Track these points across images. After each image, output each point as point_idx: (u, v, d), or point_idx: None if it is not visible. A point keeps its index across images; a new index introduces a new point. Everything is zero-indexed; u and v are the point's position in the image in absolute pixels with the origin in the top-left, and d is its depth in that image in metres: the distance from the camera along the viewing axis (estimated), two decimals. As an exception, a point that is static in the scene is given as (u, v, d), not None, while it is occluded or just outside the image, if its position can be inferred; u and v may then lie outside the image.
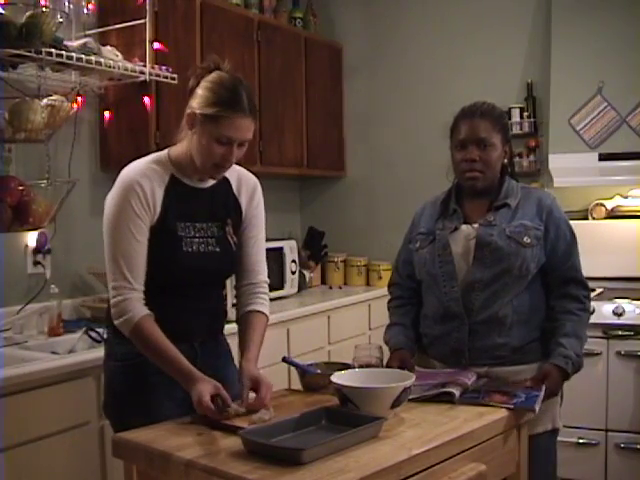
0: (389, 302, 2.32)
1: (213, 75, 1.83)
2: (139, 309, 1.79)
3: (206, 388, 1.70)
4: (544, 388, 1.89)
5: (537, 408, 1.78)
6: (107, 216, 1.83)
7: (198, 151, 1.83)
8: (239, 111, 1.78)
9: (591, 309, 2.12)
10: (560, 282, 2.08)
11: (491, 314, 2.03)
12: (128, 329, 1.78)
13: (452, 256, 2.07)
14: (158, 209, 1.84)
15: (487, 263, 2.03)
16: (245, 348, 1.92)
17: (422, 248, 2.16)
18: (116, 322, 1.80)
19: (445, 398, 1.82)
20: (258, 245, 2.04)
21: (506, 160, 2.13)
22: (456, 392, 1.82)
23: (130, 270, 1.79)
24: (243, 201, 2.01)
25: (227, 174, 1.97)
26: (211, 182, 1.94)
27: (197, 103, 1.81)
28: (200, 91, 1.81)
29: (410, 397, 1.75)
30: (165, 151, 1.93)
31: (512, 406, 1.77)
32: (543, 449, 2.05)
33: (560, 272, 2.08)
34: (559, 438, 2.15)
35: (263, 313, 2.00)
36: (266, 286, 2.05)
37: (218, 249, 1.92)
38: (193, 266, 1.88)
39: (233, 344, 2.12)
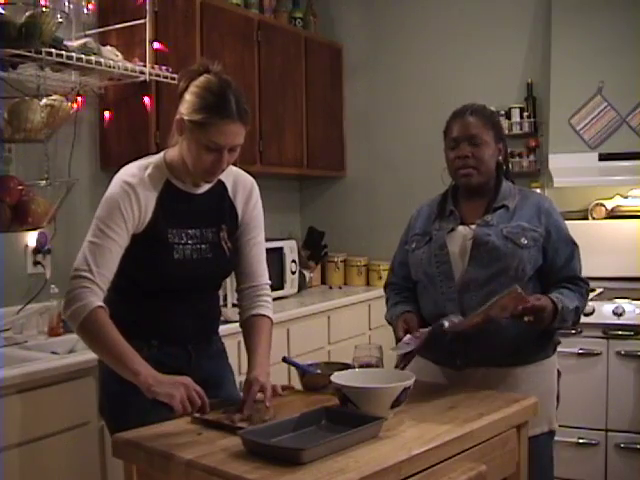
0: (387, 301, 2.30)
1: (201, 79, 1.80)
2: (96, 300, 1.70)
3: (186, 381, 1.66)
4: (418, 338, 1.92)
5: (399, 350, 1.89)
6: (97, 211, 1.82)
7: (188, 157, 1.81)
8: (227, 117, 1.75)
9: (587, 301, 2.11)
10: (559, 281, 2.08)
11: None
12: (78, 320, 1.69)
13: (449, 256, 2.07)
14: (149, 216, 1.82)
15: (483, 263, 2.03)
16: (251, 359, 1.89)
17: (418, 249, 2.16)
18: (66, 313, 1.72)
19: (438, 330, 1.86)
20: (257, 247, 2.02)
21: (501, 158, 2.14)
22: (446, 322, 1.86)
23: (97, 266, 1.73)
24: (239, 205, 1.99)
25: (223, 177, 1.95)
26: (206, 187, 1.92)
27: (185, 109, 1.78)
28: (188, 96, 1.79)
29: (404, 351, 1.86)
30: (161, 154, 1.92)
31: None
32: (540, 451, 2.04)
33: (561, 274, 2.07)
34: (559, 438, 2.15)
35: (267, 316, 1.99)
36: (268, 288, 2.03)
37: (211, 255, 1.91)
38: (184, 273, 1.87)
39: (229, 344, 2.13)
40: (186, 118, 1.77)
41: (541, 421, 2.02)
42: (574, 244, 2.11)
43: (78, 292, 1.71)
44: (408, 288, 2.24)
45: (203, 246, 1.90)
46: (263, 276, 2.02)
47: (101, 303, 1.72)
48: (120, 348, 1.68)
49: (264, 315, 1.98)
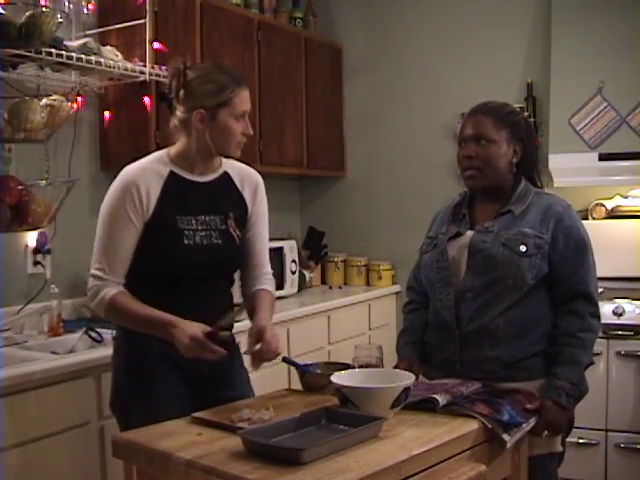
0: (404, 306, 2.30)
1: (194, 70, 1.92)
2: (113, 289, 1.87)
3: (194, 326, 1.78)
4: (532, 421, 1.80)
5: (509, 442, 1.68)
6: (102, 208, 1.92)
7: (220, 139, 1.91)
8: (241, 85, 1.93)
9: (598, 328, 1.98)
10: (567, 296, 1.97)
11: (481, 325, 1.96)
12: (103, 307, 1.87)
13: (448, 262, 2.03)
14: (153, 204, 1.88)
15: (479, 271, 1.97)
16: (255, 312, 1.98)
17: (426, 253, 2.13)
18: (92, 305, 1.89)
19: (428, 405, 1.74)
20: (263, 241, 2.10)
21: (515, 160, 2.04)
22: (440, 399, 1.74)
23: (110, 263, 1.87)
24: (247, 197, 2.05)
25: (229, 170, 2.03)
26: (212, 176, 1.99)
27: (202, 99, 1.89)
28: (197, 89, 1.89)
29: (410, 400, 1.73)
30: (164, 150, 1.98)
31: (489, 424, 1.68)
32: (537, 474, 1.91)
33: (568, 285, 1.97)
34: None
35: (269, 290, 2.07)
36: (271, 275, 2.12)
37: (221, 242, 1.96)
38: (195, 259, 1.90)
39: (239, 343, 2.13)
40: (210, 105, 1.88)
41: (540, 441, 1.91)
42: (587, 253, 1.99)
43: (95, 289, 1.88)
44: (425, 293, 2.18)
45: (213, 233, 1.95)
46: (266, 267, 2.12)
47: (116, 290, 1.87)
48: (144, 319, 1.85)
49: (265, 289, 2.07)
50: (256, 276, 2.09)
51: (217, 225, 1.96)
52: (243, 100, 1.92)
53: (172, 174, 1.93)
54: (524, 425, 1.76)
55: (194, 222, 1.92)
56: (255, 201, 2.07)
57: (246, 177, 2.06)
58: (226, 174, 2.02)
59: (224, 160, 2.02)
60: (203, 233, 1.93)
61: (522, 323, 1.96)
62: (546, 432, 1.87)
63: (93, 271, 1.89)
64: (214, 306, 1.97)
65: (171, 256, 1.88)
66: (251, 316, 2.01)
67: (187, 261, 1.89)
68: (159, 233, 1.88)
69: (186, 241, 1.89)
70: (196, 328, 1.78)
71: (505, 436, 1.69)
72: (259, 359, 1.86)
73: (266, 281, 2.09)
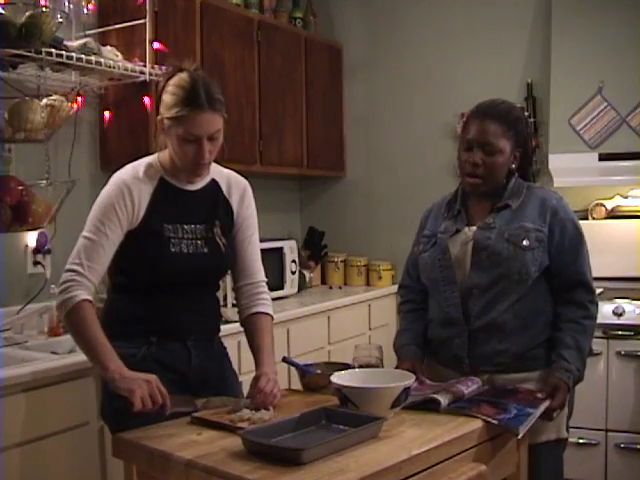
0: (400, 305, 2.29)
1: (175, 78, 1.88)
2: (83, 294, 1.79)
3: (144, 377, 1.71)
4: (542, 407, 1.82)
5: (522, 431, 1.69)
6: (92, 209, 1.91)
7: (174, 154, 1.89)
8: (196, 108, 1.81)
9: (596, 314, 2.03)
10: (566, 286, 2.01)
11: (490, 320, 1.97)
12: (66, 309, 1.79)
13: (451, 261, 2.03)
14: (142, 211, 1.88)
15: (485, 267, 1.98)
16: (258, 357, 1.94)
17: (424, 252, 2.12)
18: (57, 301, 1.82)
19: (431, 406, 1.75)
20: (253, 245, 2.07)
21: (514, 166, 2.04)
22: (443, 400, 1.75)
23: (89, 260, 1.82)
24: (234, 203, 2.04)
25: (217, 177, 2.02)
26: (200, 185, 1.98)
27: (162, 108, 1.87)
28: (164, 96, 1.88)
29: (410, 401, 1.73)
30: (155, 155, 1.98)
31: (496, 422, 1.69)
32: (546, 460, 1.96)
33: (566, 275, 2.00)
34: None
35: (267, 314, 2.02)
36: (265, 285, 2.07)
37: (206, 250, 1.95)
38: (181, 266, 1.90)
39: (229, 345, 2.13)
40: (164, 116, 1.86)
41: (549, 428, 1.95)
42: (580, 243, 2.03)
43: (68, 285, 1.80)
44: (422, 291, 2.18)
45: (199, 241, 1.94)
46: (259, 273, 2.07)
47: (87, 296, 1.80)
48: (96, 343, 1.75)
49: (265, 313, 2.02)
50: (252, 289, 2.03)
51: (203, 233, 1.95)
52: (194, 124, 1.81)
53: (162, 181, 1.93)
54: (532, 412, 1.76)
55: (180, 230, 1.91)
56: (242, 206, 2.04)
57: (233, 183, 2.05)
58: (214, 181, 2.01)
59: (212, 167, 1.98)
60: (189, 241, 1.92)
61: (528, 315, 1.99)
62: (558, 411, 1.89)
63: (70, 265, 1.83)
64: (202, 310, 1.99)
65: (158, 264, 1.87)
66: (250, 342, 1.99)
67: (174, 269, 1.89)
68: (146, 240, 1.87)
69: (173, 249, 1.89)
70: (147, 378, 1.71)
71: (520, 428, 1.69)
72: (259, 406, 1.78)
73: (264, 300, 2.04)
